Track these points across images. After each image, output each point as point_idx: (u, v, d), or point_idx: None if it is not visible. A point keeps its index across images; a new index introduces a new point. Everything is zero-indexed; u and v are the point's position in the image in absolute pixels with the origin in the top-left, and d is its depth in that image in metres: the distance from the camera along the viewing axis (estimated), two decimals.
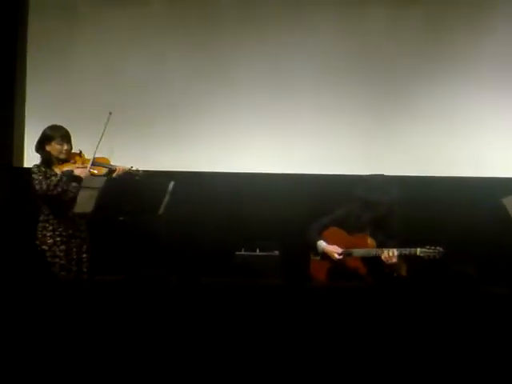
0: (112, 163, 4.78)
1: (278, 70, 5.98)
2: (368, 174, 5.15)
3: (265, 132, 6.01)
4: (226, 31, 6.02)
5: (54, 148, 4.71)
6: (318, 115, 5.98)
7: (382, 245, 4.95)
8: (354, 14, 5.93)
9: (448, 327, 3.18)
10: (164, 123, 6.04)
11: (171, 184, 4.65)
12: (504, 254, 5.28)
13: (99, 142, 4.66)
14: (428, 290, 3.24)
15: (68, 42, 6.07)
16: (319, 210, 5.29)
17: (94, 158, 4.71)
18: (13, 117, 6.10)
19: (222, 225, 5.77)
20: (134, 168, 4.76)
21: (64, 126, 4.78)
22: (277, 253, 5.60)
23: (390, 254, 4.81)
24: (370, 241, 5.01)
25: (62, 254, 4.68)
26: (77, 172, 4.68)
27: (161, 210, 4.63)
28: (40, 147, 4.74)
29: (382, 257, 4.84)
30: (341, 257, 4.99)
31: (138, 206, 4.60)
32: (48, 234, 4.70)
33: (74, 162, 4.75)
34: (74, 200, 4.59)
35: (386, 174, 5.12)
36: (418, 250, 4.82)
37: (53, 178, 4.68)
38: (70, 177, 4.67)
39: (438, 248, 4.81)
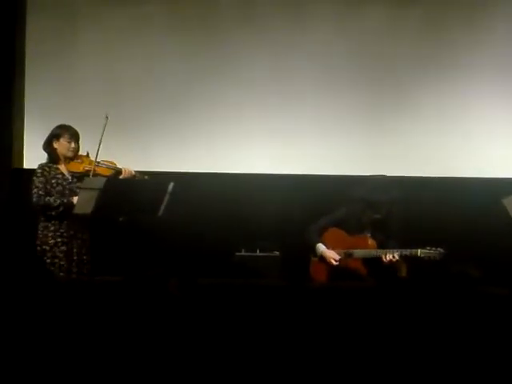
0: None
1: (278, 70, 5.98)
2: (369, 174, 5.14)
3: (265, 132, 6.00)
4: (225, 31, 6.01)
5: (61, 145, 4.72)
6: (317, 115, 5.98)
7: (382, 245, 4.94)
8: (354, 14, 5.92)
9: (449, 328, 3.17)
10: (164, 124, 6.03)
11: (171, 185, 4.64)
12: (505, 254, 5.28)
13: (100, 145, 4.66)
14: (428, 290, 3.24)
15: (67, 42, 6.06)
16: (319, 210, 5.28)
17: (95, 160, 4.71)
18: (11, 118, 6.09)
19: (222, 225, 5.76)
20: (139, 172, 4.78)
21: None
22: (277, 253, 5.59)
23: (393, 258, 4.79)
24: (370, 241, 5.00)
25: (62, 255, 4.66)
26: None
27: (160, 211, 4.62)
28: (48, 145, 4.75)
29: (385, 260, 4.82)
30: (338, 263, 4.97)
31: (138, 206, 4.60)
32: (49, 235, 4.69)
33: (81, 162, 4.75)
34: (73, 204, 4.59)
35: (386, 174, 5.11)
36: (419, 250, 4.81)
37: (51, 199, 4.65)
38: (69, 205, 4.64)
39: (438, 249, 4.80)
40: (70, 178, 4.75)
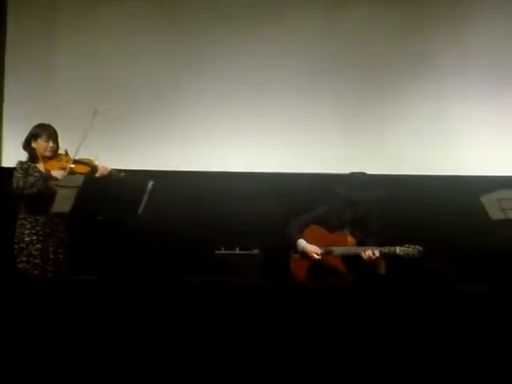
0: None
1: (259, 68, 5.98)
2: (349, 172, 5.16)
3: (246, 131, 6.01)
4: (205, 30, 6.00)
5: (39, 145, 4.74)
6: (298, 113, 5.99)
7: (361, 243, 4.96)
8: (336, 13, 5.93)
9: (426, 325, 3.19)
10: (144, 122, 6.02)
11: (150, 183, 4.64)
12: (483, 252, 5.32)
13: (82, 140, 4.66)
14: (406, 287, 3.25)
15: (48, 41, 6.04)
16: (299, 208, 5.29)
17: (72, 158, 4.70)
18: None
19: (202, 224, 5.75)
20: (115, 170, 4.76)
21: None
22: (257, 251, 5.60)
23: (373, 254, 4.82)
24: (350, 239, 5.03)
25: (37, 253, 4.65)
26: (54, 173, 4.67)
27: (140, 210, 4.62)
28: (27, 144, 4.78)
29: (364, 256, 4.85)
30: (319, 257, 5.00)
31: (117, 205, 4.58)
32: (26, 232, 4.68)
33: (59, 161, 4.75)
34: (51, 199, 4.56)
35: (367, 172, 5.13)
36: (398, 248, 4.84)
37: (29, 178, 4.67)
38: (47, 177, 4.66)
39: (417, 246, 4.83)
40: None
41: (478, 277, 4.36)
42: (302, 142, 5.96)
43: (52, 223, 4.70)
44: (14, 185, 4.68)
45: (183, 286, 3.57)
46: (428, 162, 5.82)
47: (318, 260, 5.02)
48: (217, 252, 5.53)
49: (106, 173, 4.73)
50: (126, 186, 4.72)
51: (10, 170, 4.90)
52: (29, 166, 4.74)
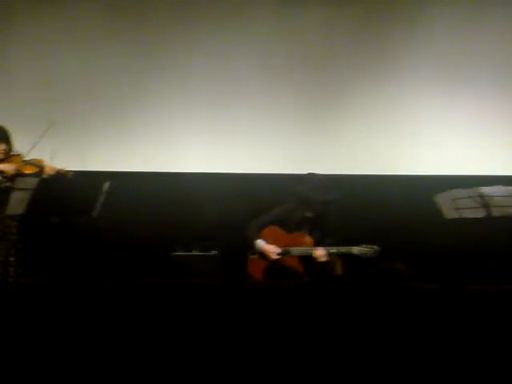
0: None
1: (215, 68, 5.98)
2: (307, 173, 5.17)
3: (204, 132, 5.99)
4: (160, 31, 5.99)
5: None
6: (255, 114, 5.99)
7: (319, 243, 4.98)
8: (291, 14, 5.95)
9: (381, 322, 3.22)
10: (100, 123, 5.98)
11: (106, 184, 4.60)
12: (437, 251, 5.38)
13: (36, 143, 4.61)
14: (360, 286, 3.28)
15: (2, 42, 5.96)
16: (257, 209, 5.29)
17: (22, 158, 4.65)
18: None
19: (159, 225, 5.72)
20: (64, 170, 4.72)
21: None
22: (214, 252, 5.58)
23: (320, 253, 4.85)
24: (307, 239, 5.04)
25: None
26: (1, 167, 4.60)
27: (95, 211, 4.58)
28: None
29: (313, 255, 4.88)
30: (278, 257, 5.00)
31: (72, 207, 4.54)
32: None
33: (10, 162, 4.69)
34: (4, 201, 4.51)
35: (323, 173, 5.15)
36: (355, 248, 4.87)
37: None
38: None
39: (373, 247, 4.86)
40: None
41: (433, 275, 4.41)
42: (260, 142, 5.97)
43: (3, 225, 4.63)
44: None
45: (139, 288, 3.55)
46: (384, 162, 5.86)
47: (276, 260, 5.02)
48: (174, 253, 5.50)
49: (53, 173, 4.69)
50: (82, 188, 4.68)
51: None
52: None
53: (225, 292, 3.52)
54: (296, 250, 5.01)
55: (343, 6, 5.94)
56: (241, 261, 5.16)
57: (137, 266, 5.23)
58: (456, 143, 5.81)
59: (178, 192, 5.79)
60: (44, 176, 4.65)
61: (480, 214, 4.39)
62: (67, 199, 4.55)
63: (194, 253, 5.52)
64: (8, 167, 4.62)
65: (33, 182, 4.50)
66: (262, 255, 5.06)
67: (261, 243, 5.04)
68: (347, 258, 4.89)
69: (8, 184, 4.64)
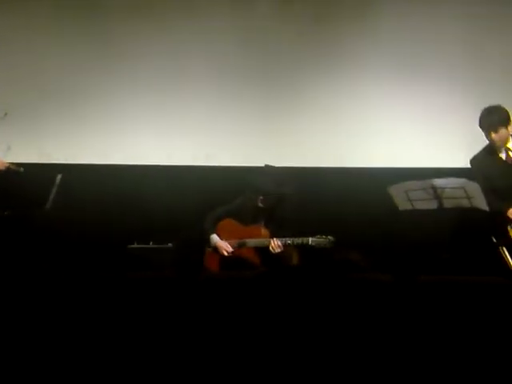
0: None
1: (165, 58, 5.94)
2: (261, 165, 5.20)
3: (159, 123, 5.97)
4: (114, 23, 5.95)
5: None
6: (211, 107, 5.98)
7: (275, 235, 5.01)
8: (244, 5, 5.95)
9: (336, 313, 3.25)
10: (54, 115, 5.92)
11: (59, 177, 4.56)
12: (391, 242, 5.46)
13: None
14: (315, 277, 3.31)
15: None
16: (214, 201, 5.30)
17: None
18: None
19: (114, 218, 5.69)
20: (14, 164, 4.66)
21: None
22: (170, 245, 5.57)
23: (276, 244, 4.89)
24: (263, 231, 5.07)
25: None
26: None
27: (48, 204, 4.53)
28: None
29: (269, 247, 4.91)
30: (230, 254, 5.03)
31: (24, 200, 4.49)
32: None
33: None
34: None
35: (278, 165, 5.18)
36: (310, 239, 4.91)
37: None
38: None
39: (328, 237, 4.91)
40: None
41: (386, 266, 4.47)
42: (215, 134, 5.96)
43: None
44: None
45: (95, 281, 3.53)
46: (338, 154, 5.91)
47: (231, 253, 5.05)
48: (129, 246, 5.48)
49: (2, 168, 4.62)
50: (34, 180, 4.63)
51: None
52: None
53: (180, 284, 3.52)
54: (252, 242, 5.04)
55: (296, 3, 5.97)
56: (197, 253, 5.17)
57: (92, 258, 5.19)
58: (411, 134, 5.87)
59: (133, 184, 5.76)
60: None
61: (432, 205, 4.46)
62: (19, 192, 4.50)
63: (150, 245, 5.51)
64: None
65: None
66: (217, 250, 5.09)
67: (215, 239, 5.07)
68: (303, 248, 4.93)
69: None
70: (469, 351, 3.21)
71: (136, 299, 3.45)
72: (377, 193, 4.90)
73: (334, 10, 5.95)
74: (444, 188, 4.40)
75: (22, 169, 4.68)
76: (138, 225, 5.67)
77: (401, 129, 5.89)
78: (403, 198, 4.50)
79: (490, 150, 4.74)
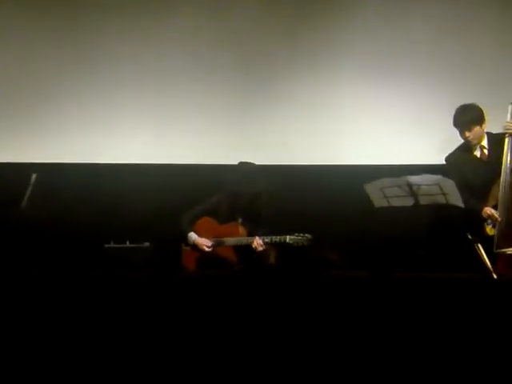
0: None
1: (143, 55, 5.92)
2: (237, 162, 5.19)
3: (134, 122, 5.94)
4: (92, 17, 5.91)
5: None
6: (188, 104, 5.96)
7: (252, 233, 5.02)
8: (226, 7, 5.95)
9: (312, 310, 3.26)
10: (30, 113, 5.88)
11: (34, 176, 4.53)
12: (367, 239, 5.48)
13: None
14: (292, 275, 3.32)
15: None
16: (190, 200, 5.29)
17: None
18: None
19: (91, 217, 5.66)
20: None
21: None
22: (147, 244, 5.55)
23: (258, 245, 4.89)
24: (241, 229, 5.08)
25: None
26: None
27: (23, 203, 4.51)
28: None
29: (252, 245, 4.91)
30: (210, 249, 5.03)
31: None
32: None
33: None
34: None
35: (254, 162, 5.18)
36: (288, 237, 4.92)
37: None
38: None
39: (306, 235, 4.93)
40: None
41: (362, 263, 4.50)
42: (192, 132, 5.95)
43: None
44: None
45: (71, 281, 3.52)
46: (315, 152, 5.91)
47: (208, 251, 5.05)
48: (106, 245, 5.45)
49: None
50: (8, 179, 4.59)
51: None
52: None
53: (157, 283, 3.51)
54: (229, 241, 5.04)
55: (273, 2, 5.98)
56: (174, 252, 5.16)
57: (68, 258, 5.16)
58: (385, 132, 5.90)
59: (109, 183, 5.73)
60: None
61: (408, 202, 4.49)
62: None
63: (127, 245, 5.49)
64: None
65: None
66: (195, 247, 5.08)
67: (193, 236, 5.07)
68: (280, 246, 4.94)
69: None
70: (444, 347, 3.24)
71: (113, 299, 3.44)
72: (353, 190, 4.92)
73: (311, 7, 5.96)
74: (419, 185, 4.44)
75: None
76: (114, 224, 5.64)
77: (375, 126, 5.91)
78: (379, 195, 4.52)
79: (465, 148, 4.78)
